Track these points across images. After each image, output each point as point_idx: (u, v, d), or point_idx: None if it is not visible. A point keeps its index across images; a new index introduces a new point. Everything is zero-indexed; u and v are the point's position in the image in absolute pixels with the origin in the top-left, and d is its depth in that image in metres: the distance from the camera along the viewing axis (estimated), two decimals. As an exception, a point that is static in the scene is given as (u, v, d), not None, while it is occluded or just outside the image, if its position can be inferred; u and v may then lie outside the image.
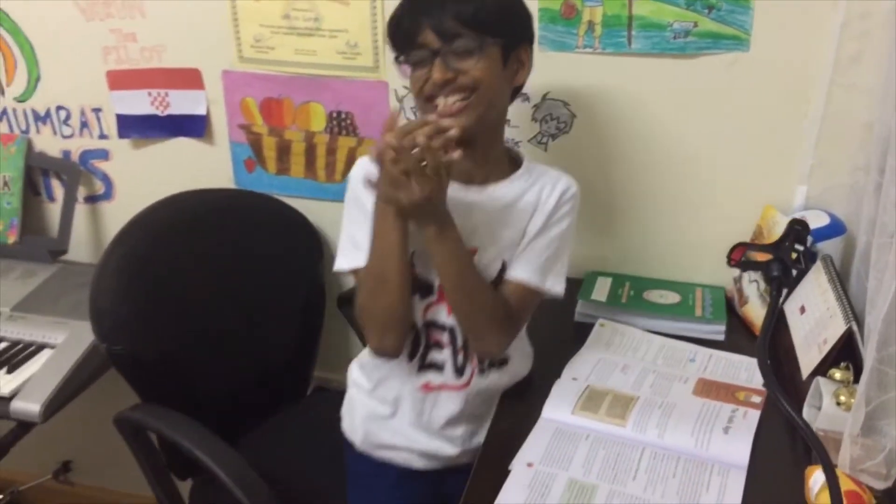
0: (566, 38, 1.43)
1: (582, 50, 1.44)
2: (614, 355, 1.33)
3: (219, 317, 1.57)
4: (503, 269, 1.21)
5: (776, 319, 1.35)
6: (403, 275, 1.12)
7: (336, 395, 1.43)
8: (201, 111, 1.70)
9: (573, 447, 1.10)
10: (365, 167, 1.15)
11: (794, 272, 0.85)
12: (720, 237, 1.49)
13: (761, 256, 0.90)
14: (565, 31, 1.43)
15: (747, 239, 1.45)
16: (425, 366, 1.25)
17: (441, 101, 1.11)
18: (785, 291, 1.33)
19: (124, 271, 1.43)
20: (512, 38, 1.13)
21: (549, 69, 1.45)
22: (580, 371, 1.27)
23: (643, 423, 1.12)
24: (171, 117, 1.73)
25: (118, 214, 1.74)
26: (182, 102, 1.71)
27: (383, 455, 1.32)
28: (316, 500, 1.46)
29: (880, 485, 1.02)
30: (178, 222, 1.55)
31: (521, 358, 1.30)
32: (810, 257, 1.34)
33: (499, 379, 1.27)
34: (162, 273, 1.48)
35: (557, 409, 1.17)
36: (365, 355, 1.33)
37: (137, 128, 1.76)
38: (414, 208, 1.05)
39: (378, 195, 1.08)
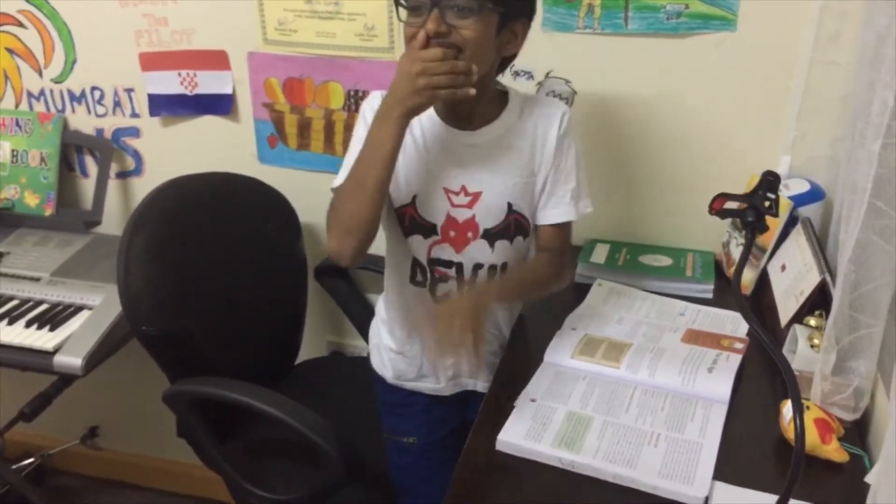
0: (567, 19, 1.55)
1: (582, 30, 1.55)
2: (611, 310, 1.45)
3: (224, 292, 1.67)
4: (510, 210, 1.30)
5: (760, 281, 1.48)
6: (381, 183, 1.17)
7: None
8: (228, 90, 1.83)
9: (572, 385, 1.22)
10: (371, 98, 1.27)
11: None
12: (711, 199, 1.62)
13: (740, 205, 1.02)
14: (567, 13, 1.54)
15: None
16: (437, 298, 1.35)
17: None
18: (768, 251, 1.46)
19: (151, 255, 1.50)
20: (512, 9, 1.17)
21: (551, 49, 1.57)
22: (579, 322, 1.39)
23: (635, 365, 1.24)
24: (199, 96, 1.85)
25: (148, 189, 1.85)
26: (210, 82, 1.83)
27: (413, 386, 1.45)
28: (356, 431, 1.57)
29: (849, 416, 1.14)
30: (183, 207, 1.62)
31: None
32: (791, 221, 1.46)
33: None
34: (180, 255, 1.57)
35: (558, 353, 1.29)
36: (386, 290, 1.45)
37: (167, 106, 1.88)
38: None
39: (401, 95, 1.12)
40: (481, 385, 1.46)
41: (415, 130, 1.27)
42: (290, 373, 1.87)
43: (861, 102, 1.23)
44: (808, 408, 1.09)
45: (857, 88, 1.35)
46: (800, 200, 1.46)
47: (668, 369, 1.22)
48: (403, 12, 1.17)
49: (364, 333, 1.88)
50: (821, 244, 1.40)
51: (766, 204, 0.98)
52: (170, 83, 1.85)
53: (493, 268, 1.34)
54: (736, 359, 1.25)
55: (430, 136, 1.26)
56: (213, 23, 1.77)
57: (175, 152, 1.93)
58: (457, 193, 1.28)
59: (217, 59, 1.80)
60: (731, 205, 1.03)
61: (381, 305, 1.49)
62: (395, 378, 1.46)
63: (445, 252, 1.32)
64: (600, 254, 1.62)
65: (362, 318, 1.88)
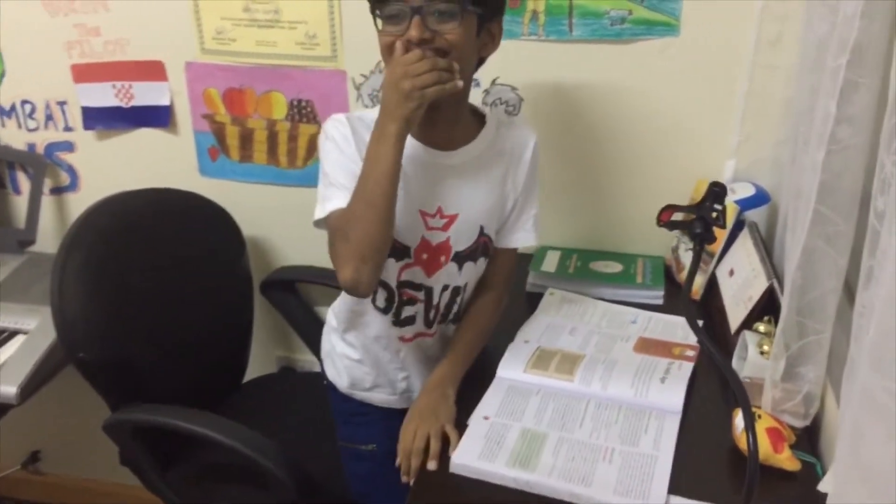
0: (512, 26, 1.53)
1: (527, 37, 1.54)
2: (563, 320, 1.43)
3: (166, 313, 1.60)
4: (481, 232, 1.30)
5: (710, 284, 1.48)
6: (391, 202, 1.12)
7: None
8: (165, 102, 1.77)
9: (525, 401, 1.20)
10: (333, 121, 1.22)
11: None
12: (658, 210, 1.62)
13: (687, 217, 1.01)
14: (511, 20, 1.53)
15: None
16: (400, 321, 1.33)
17: None
18: (717, 256, 1.46)
19: (87, 278, 1.44)
20: (489, 10, 1.16)
21: (497, 55, 1.52)
22: (531, 334, 1.37)
23: (588, 377, 1.22)
24: (135, 108, 1.78)
25: (84, 205, 1.78)
26: (146, 94, 1.77)
27: (365, 396, 1.42)
28: (307, 447, 1.57)
29: (800, 423, 1.14)
30: (120, 226, 1.55)
31: None
32: (738, 225, 1.47)
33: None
34: (118, 275, 1.50)
35: (511, 368, 1.27)
36: (338, 304, 1.41)
37: (102, 120, 1.81)
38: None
39: (392, 107, 1.09)
40: None
41: None
42: (238, 391, 1.82)
43: (804, 107, 1.23)
44: (759, 416, 1.09)
45: (798, 92, 1.36)
46: (746, 204, 1.47)
47: (620, 381, 1.21)
48: (379, 22, 1.14)
49: (314, 348, 1.85)
50: (767, 248, 1.41)
51: (714, 215, 0.97)
52: (104, 95, 1.78)
53: (456, 289, 1.34)
54: (688, 367, 1.25)
55: (407, 158, 1.19)
56: (147, 32, 1.71)
57: (112, 167, 1.87)
58: (433, 216, 1.26)
59: (153, 70, 1.74)
60: (679, 216, 1.02)
61: (332, 316, 1.44)
62: (350, 387, 1.43)
63: (416, 275, 1.29)
64: (551, 262, 1.61)
65: (312, 333, 1.85)
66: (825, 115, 0.95)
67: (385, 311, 1.32)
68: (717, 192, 0.98)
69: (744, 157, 1.55)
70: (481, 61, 1.24)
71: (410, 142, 1.20)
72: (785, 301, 1.11)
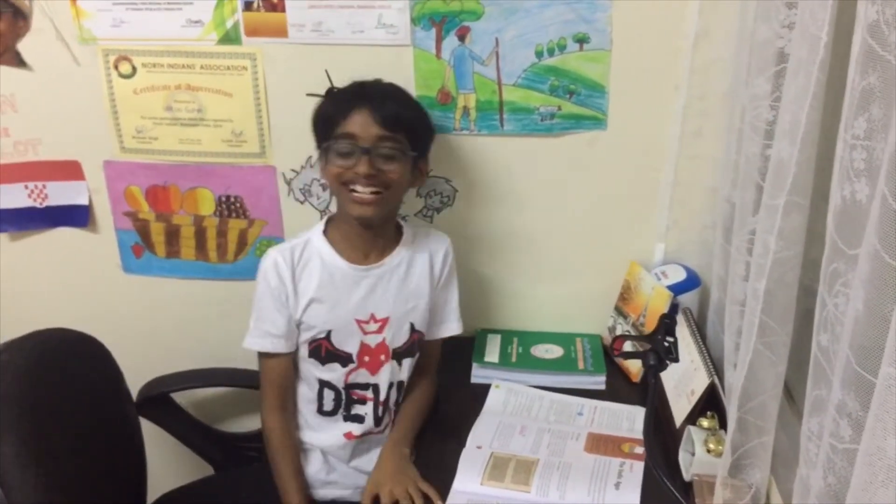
0: (444, 121, 1.54)
1: (459, 132, 1.55)
2: (511, 417, 1.45)
3: (65, 461, 1.30)
4: (412, 329, 1.44)
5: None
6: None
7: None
8: (83, 201, 1.69)
9: (485, 515, 1.21)
10: (274, 257, 1.37)
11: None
12: (594, 291, 1.67)
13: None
14: (443, 115, 1.53)
15: (617, 293, 1.63)
16: (350, 416, 1.45)
17: (360, 190, 1.30)
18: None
19: (19, 434, 1.20)
20: (421, 152, 1.40)
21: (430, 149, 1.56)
22: (483, 438, 1.37)
23: (545, 486, 1.24)
24: (50, 209, 1.70)
25: (5, 312, 1.72)
26: (62, 193, 1.68)
27: (323, 494, 1.48)
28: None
29: (749, 518, 1.19)
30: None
31: None
32: (673, 309, 1.52)
33: None
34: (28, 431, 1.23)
35: (467, 480, 1.27)
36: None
37: (16, 221, 1.71)
38: None
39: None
40: None
41: (324, 273, 1.38)
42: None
43: (740, 206, 1.27)
44: (714, 521, 1.13)
45: (724, 183, 1.42)
46: (678, 289, 1.52)
47: (577, 488, 1.23)
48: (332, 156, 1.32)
49: (208, 458, 1.75)
50: (702, 332, 1.47)
51: (666, 346, 1.00)
52: (16, 196, 1.68)
53: (401, 384, 1.48)
54: (639, 467, 1.28)
55: (339, 275, 1.39)
56: (61, 132, 1.63)
57: (31, 268, 1.76)
58: (367, 322, 1.41)
59: (69, 170, 1.66)
60: (630, 345, 1.04)
61: None
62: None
63: (362, 376, 1.43)
64: (493, 349, 1.63)
65: (204, 445, 1.75)
66: (764, 249, 1.00)
67: (333, 412, 1.45)
68: (667, 323, 1.01)
69: (673, 240, 1.60)
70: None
71: (338, 260, 1.39)
72: (731, 407, 1.15)
